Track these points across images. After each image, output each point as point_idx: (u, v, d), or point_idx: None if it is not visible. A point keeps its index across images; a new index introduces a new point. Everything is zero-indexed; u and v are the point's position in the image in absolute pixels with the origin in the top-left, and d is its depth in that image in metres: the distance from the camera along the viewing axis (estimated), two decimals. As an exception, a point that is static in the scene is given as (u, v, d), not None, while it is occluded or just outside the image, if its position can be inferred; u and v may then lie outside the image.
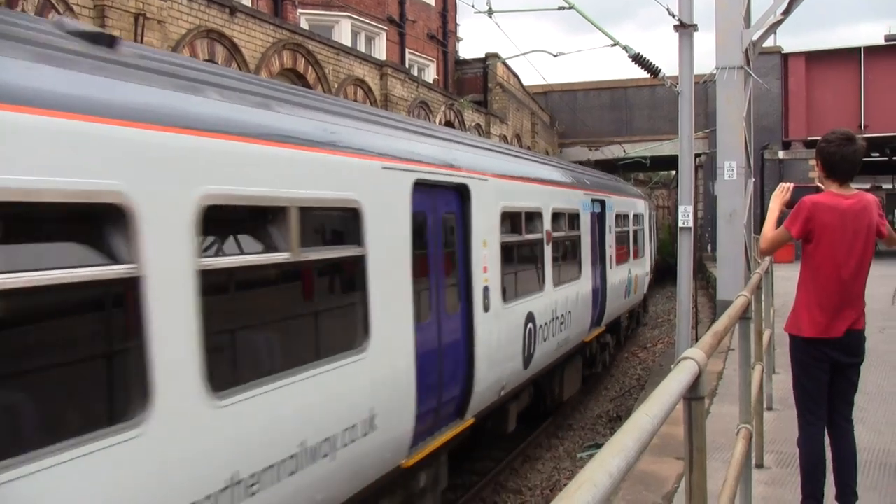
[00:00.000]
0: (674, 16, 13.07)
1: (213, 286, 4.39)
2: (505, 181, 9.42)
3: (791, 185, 5.32)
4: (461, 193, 8.04)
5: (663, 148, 31.35)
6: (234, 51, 14.19)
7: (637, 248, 19.47)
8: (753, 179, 16.54)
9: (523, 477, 10.92)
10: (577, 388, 13.94)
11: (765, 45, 17.42)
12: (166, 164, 4.11)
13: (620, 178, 23.72)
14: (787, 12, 14.86)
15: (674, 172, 43.24)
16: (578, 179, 14.20)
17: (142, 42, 11.43)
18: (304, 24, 21.05)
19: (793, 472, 5.72)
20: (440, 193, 7.61)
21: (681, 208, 13.54)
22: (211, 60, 13.10)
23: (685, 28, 13.05)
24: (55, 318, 3.72)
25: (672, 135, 20.00)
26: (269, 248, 4.93)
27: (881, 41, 33.59)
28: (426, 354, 6.96)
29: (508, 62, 30.66)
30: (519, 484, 10.63)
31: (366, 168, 6.12)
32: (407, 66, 25.33)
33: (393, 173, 6.55)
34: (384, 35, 25.08)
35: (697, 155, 27.80)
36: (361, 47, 23.11)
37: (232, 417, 4.44)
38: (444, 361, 7.46)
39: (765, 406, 6.90)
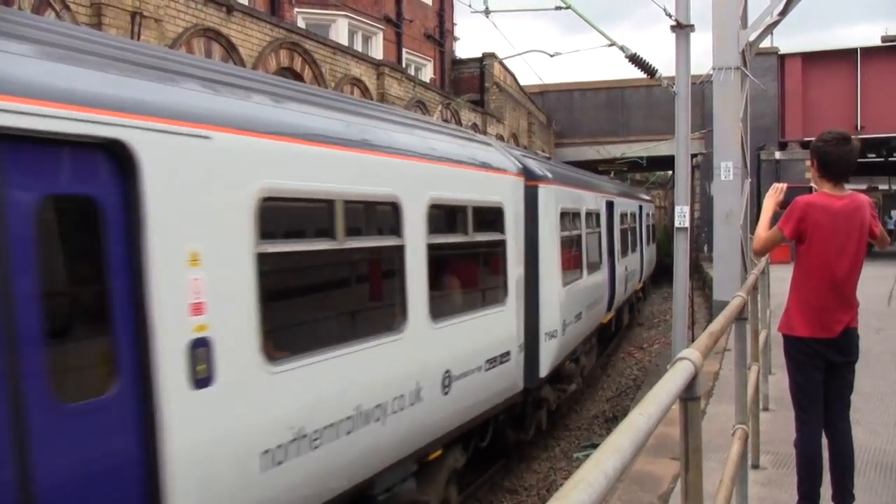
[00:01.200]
0: (670, 16, 13.05)
1: (566, 239, 12.19)
2: (620, 198, 20.40)
3: (784, 186, 5.33)
4: (611, 205, 17.98)
5: (660, 148, 31.32)
6: (230, 49, 14.18)
7: (651, 236, 31.01)
8: (750, 180, 16.50)
9: (519, 477, 10.92)
10: (628, 322, 23.42)
11: (761, 45, 17.41)
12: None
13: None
14: (783, 13, 14.85)
15: (670, 173, 43.25)
16: (632, 194, 25.89)
17: (138, 40, 11.41)
18: (300, 23, 21.04)
19: (788, 472, 5.72)
20: (607, 204, 17.44)
21: (677, 209, 13.53)
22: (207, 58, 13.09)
23: (682, 28, 13.04)
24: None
25: (668, 135, 20.00)
26: (573, 227, 13.12)
27: (878, 42, 33.61)
28: (607, 275, 16.89)
29: (505, 62, 30.64)
30: (515, 484, 10.63)
31: (603, 198, 16.91)
32: (404, 65, 25.33)
33: (604, 199, 17.19)
34: (381, 34, 25.07)
35: (694, 155, 27.79)
36: (358, 46, 23.09)
37: (568, 295, 11.82)
38: (607, 280, 16.87)
39: (761, 406, 6.91)
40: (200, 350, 4.43)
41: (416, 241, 6.77)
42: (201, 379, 4.45)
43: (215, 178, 4.64)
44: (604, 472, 1.49)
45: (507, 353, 8.85)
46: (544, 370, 10.43)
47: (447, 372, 7.31)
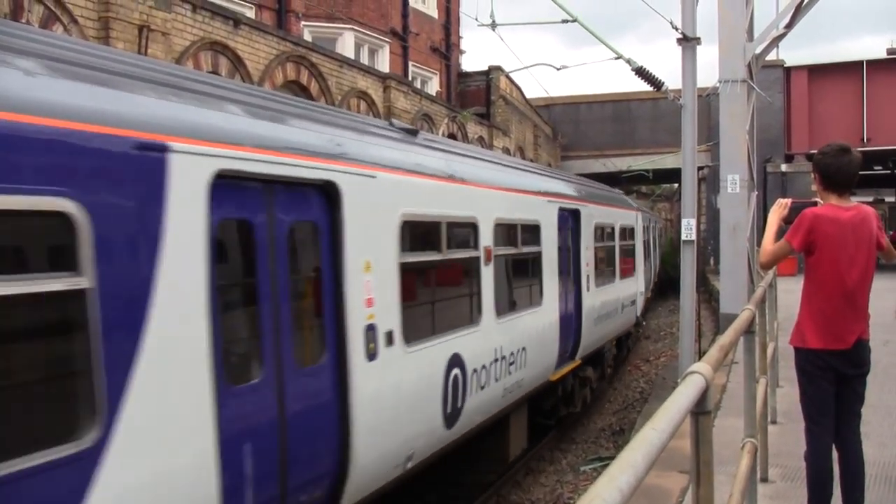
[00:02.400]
0: (677, 29, 13.07)
1: (644, 242, 22.90)
2: (651, 216, 29.75)
3: (789, 202, 5.35)
4: (648, 219, 26.22)
5: (666, 161, 31.31)
6: (237, 63, 14.24)
7: (659, 243, 37.54)
8: (756, 192, 16.55)
9: (526, 490, 10.88)
10: (649, 304, 28.27)
11: (767, 58, 17.47)
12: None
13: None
14: (789, 26, 14.92)
15: (676, 185, 43.21)
16: (652, 212, 33.62)
17: (146, 54, 11.47)
18: (307, 37, 21.12)
19: (797, 485, 5.70)
20: (649, 220, 25.87)
21: (684, 221, 13.50)
22: (214, 72, 13.13)
23: (688, 41, 13.05)
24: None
25: (674, 147, 20.05)
26: (644, 235, 22.85)
27: (883, 55, 33.64)
28: (651, 266, 27.05)
29: (511, 75, 30.66)
30: (522, 497, 10.59)
31: (649, 217, 27.42)
32: (410, 78, 25.40)
33: (649, 217, 27.64)
34: (387, 47, 25.16)
35: (700, 168, 27.82)
36: (365, 60, 23.17)
37: (644, 272, 22.57)
38: (652, 269, 27.31)
39: (769, 420, 6.89)
40: (590, 270, 13.11)
41: (615, 243, 15.62)
42: (587, 284, 12.87)
43: (592, 221, 13.38)
44: (618, 489, 1.49)
45: (634, 301, 18.11)
46: (639, 312, 19.49)
47: (623, 303, 16.13)
